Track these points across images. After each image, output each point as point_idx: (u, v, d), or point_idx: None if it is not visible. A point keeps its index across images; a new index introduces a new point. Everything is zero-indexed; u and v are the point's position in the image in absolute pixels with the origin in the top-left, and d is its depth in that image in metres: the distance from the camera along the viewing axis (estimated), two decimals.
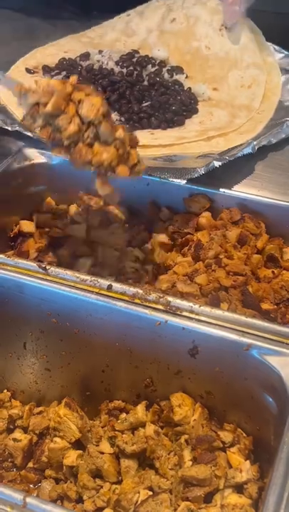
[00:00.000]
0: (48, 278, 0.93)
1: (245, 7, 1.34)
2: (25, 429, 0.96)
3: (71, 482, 0.88)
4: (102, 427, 0.92)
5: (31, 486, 0.92)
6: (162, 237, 1.08)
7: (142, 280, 1.04)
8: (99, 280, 0.92)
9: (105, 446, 0.88)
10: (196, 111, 1.24)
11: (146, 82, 1.27)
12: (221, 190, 1.10)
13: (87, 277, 0.92)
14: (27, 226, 1.12)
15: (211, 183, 1.10)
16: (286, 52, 1.38)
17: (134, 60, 1.33)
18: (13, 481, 0.92)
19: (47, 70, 1.33)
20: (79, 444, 0.90)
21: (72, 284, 0.92)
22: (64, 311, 0.92)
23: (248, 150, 1.12)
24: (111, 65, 1.30)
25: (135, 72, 1.27)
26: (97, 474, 0.87)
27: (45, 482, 0.91)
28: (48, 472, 0.92)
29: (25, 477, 0.92)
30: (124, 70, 1.28)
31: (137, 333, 0.89)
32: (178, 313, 0.88)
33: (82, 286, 0.92)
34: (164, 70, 1.31)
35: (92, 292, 0.91)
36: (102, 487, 0.85)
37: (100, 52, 1.36)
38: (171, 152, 1.13)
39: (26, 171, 1.14)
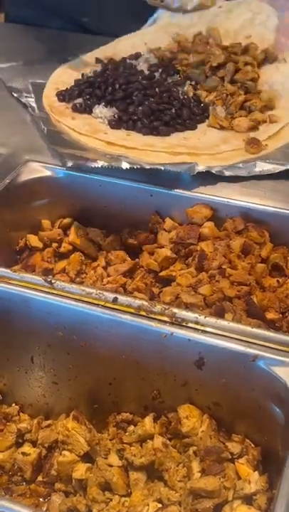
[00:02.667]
0: (54, 292, 0.93)
1: None
2: (34, 443, 0.97)
3: (80, 495, 0.88)
4: (111, 440, 0.92)
5: (41, 499, 0.92)
6: (165, 251, 1.08)
7: (147, 292, 1.04)
8: (104, 293, 0.92)
9: (114, 459, 0.88)
10: (193, 127, 1.25)
11: (157, 89, 1.29)
12: (223, 199, 1.10)
13: (93, 290, 0.93)
14: (35, 240, 1.13)
15: (213, 192, 1.10)
16: None
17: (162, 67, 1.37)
18: (23, 495, 0.93)
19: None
20: (88, 457, 0.91)
21: (77, 297, 0.93)
22: (70, 325, 0.92)
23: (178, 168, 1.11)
24: (144, 68, 1.36)
25: (157, 77, 1.32)
26: (106, 487, 0.87)
27: (54, 495, 0.91)
28: (58, 485, 0.92)
29: (35, 491, 0.93)
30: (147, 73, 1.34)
31: (143, 346, 0.89)
32: (183, 324, 0.88)
33: (87, 299, 0.92)
34: (188, 82, 1.33)
35: (97, 305, 0.91)
36: (111, 500, 0.86)
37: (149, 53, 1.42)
38: (124, 153, 1.15)
39: (31, 185, 1.14)
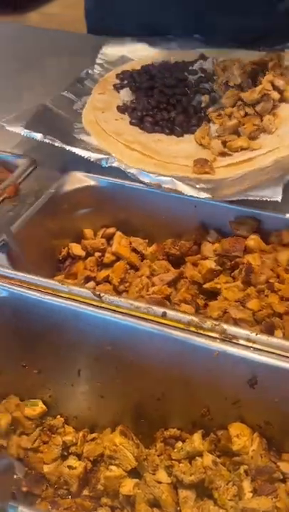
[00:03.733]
0: (103, 305, 0.93)
1: None
2: (78, 456, 0.96)
3: (128, 511, 0.88)
4: (158, 456, 0.91)
5: None
6: (209, 262, 1.07)
7: (193, 303, 1.03)
8: (153, 307, 0.92)
9: (162, 476, 0.88)
10: (180, 135, 1.22)
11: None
12: (269, 211, 1.09)
13: (141, 304, 0.92)
14: (77, 249, 1.13)
15: (258, 204, 1.09)
16: None
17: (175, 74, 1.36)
18: (69, 509, 0.92)
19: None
20: (134, 473, 0.90)
21: (125, 311, 0.92)
22: (119, 339, 0.92)
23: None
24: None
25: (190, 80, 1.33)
26: (154, 504, 0.86)
27: (101, 510, 0.91)
28: (104, 500, 0.91)
29: (81, 505, 0.92)
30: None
31: (193, 362, 0.88)
32: (234, 341, 0.87)
33: (136, 314, 0.91)
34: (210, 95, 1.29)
35: (146, 320, 0.91)
36: None
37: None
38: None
39: (75, 195, 1.14)
